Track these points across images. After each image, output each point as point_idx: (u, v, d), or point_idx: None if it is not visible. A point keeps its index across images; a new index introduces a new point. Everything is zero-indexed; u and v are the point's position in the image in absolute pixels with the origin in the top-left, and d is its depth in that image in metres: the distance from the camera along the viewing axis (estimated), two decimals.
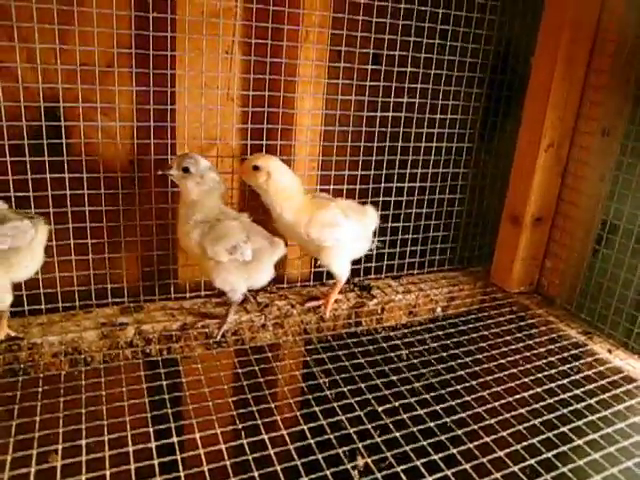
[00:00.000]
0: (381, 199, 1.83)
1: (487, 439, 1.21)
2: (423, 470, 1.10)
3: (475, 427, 1.25)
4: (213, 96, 1.60)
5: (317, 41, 1.65)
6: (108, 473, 1.04)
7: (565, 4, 1.62)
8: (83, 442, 1.11)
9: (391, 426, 1.24)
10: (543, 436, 1.23)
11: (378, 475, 1.10)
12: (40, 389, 1.26)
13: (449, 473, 1.10)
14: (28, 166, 1.43)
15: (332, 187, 1.76)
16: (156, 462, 1.07)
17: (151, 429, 1.17)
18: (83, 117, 1.48)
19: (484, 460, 1.14)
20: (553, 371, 1.47)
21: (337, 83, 1.70)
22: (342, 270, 1.64)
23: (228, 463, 1.09)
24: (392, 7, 1.66)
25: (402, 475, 1.10)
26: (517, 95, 1.93)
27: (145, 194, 1.57)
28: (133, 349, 1.46)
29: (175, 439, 1.15)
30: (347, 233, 1.57)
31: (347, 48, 1.68)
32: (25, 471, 1.04)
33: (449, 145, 1.90)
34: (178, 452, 1.10)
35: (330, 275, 1.71)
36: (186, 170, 1.41)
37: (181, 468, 1.06)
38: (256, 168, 1.49)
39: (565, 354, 1.55)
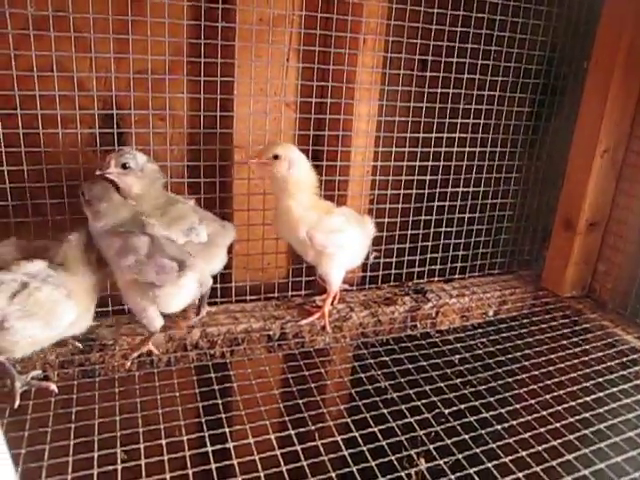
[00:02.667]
0: (435, 204, 1.86)
1: (554, 442, 1.24)
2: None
3: (542, 430, 1.28)
4: (269, 102, 1.63)
5: (374, 48, 1.68)
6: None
7: (625, 9, 1.63)
8: (163, 441, 1.16)
9: (458, 428, 1.28)
10: (610, 441, 1.26)
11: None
12: (116, 389, 1.32)
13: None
14: (81, 172, 1.47)
15: (389, 192, 1.79)
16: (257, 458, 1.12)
17: (227, 429, 1.22)
18: (138, 124, 1.52)
19: (554, 463, 1.17)
20: (613, 376, 1.49)
21: (391, 89, 1.73)
22: (337, 279, 1.60)
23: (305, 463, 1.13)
24: (450, 15, 1.68)
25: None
26: (565, 99, 1.95)
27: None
28: (198, 351, 1.51)
29: (251, 439, 1.20)
30: (349, 240, 1.55)
31: (400, 55, 1.71)
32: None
33: (501, 150, 1.92)
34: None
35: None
36: (125, 166, 1.36)
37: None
38: (277, 157, 1.44)
39: (624, 359, 1.56)
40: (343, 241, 1.53)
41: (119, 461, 1.11)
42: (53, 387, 1.30)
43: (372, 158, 1.80)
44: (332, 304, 1.68)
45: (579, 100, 1.80)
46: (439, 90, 1.75)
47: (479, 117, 1.84)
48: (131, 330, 1.50)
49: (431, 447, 1.23)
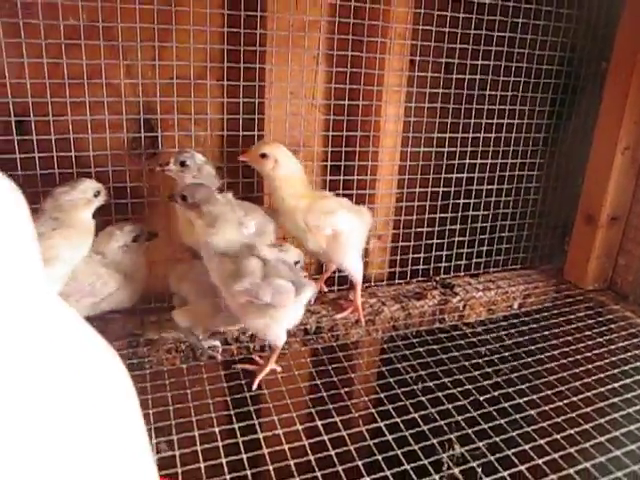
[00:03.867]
0: (461, 201, 1.93)
1: (586, 426, 1.30)
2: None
3: (574, 415, 1.34)
4: (298, 105, 1.71)
5: (402, 52, 1.76)
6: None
7: None
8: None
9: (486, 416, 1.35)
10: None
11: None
12: (167, 381, 1.39)
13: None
14: (128, 174, 1.55)
15: (417, 190, 1.86)
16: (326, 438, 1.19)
17: (275, 417, 1.29)
18: (177, 128, 1.59)
19: (587, 445, 1.24)
20: (638, 363, 1.55)
21: (417, 92, 1.80)
22: (356, 265, 1.62)
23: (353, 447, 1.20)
24: (475, 18, 1.75)
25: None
26: (584, 98, 2.01)
27: None
28: (239, 344, 1.58)
29: (299, 426, 1.27)
30: (346, 222, 1.55)
31: (426, 58, 1.77)
32: None
33: (523, 149, 1.99)
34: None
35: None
36: (183, 164, 1.43)
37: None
38: (263, 155, 1.49)
39: None
40: (340, 222, 1.54)
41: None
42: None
43: (398, 158, 1.87)
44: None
45: (598, 99, 1.87)
46: (464, 92, 1.82)
47: (502, 117, 1.90)
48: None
49: (469, 431, 1.29)
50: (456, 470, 1.23)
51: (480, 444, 1.25)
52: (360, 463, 1.17)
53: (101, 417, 0.48)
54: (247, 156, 1.53)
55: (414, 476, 1.15)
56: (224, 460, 1.15)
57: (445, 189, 1.91)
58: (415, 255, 1.92)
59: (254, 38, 1.58)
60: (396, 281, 1.92)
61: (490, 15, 1.77)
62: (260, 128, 1.68)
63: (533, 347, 1.61)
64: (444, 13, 1.72)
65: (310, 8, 1.62)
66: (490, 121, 1.90)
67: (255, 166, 1.55)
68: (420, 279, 1.95)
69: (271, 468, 1.14)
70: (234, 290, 1.26)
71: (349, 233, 1.56)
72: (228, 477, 1.11)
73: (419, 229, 1.90)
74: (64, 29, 1.38)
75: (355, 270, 1.63)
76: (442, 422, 1.32)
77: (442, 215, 1.92)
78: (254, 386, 1.38)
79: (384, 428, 1.28)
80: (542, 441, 1.26)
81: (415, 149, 1.85)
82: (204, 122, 1.62)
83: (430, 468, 1.17)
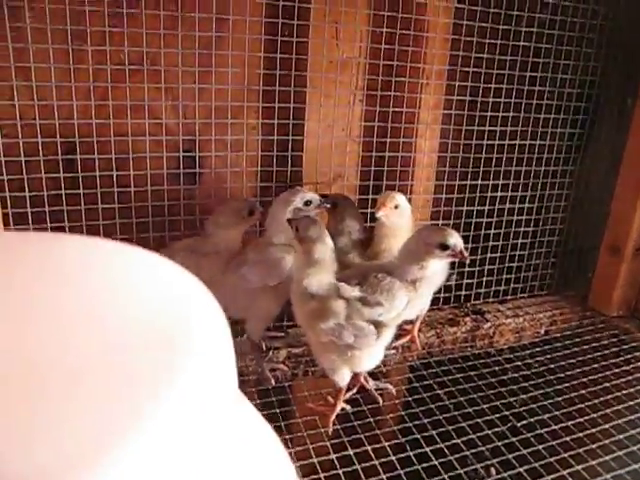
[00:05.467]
0: (492, 232, 2.04)
1: (606, 457, 1.38)
2: None
3: (594, 446, 1.43)
4: (337, 139, 1.82)
5: (434, 92, 1.88)
6: None
7: None
8: None
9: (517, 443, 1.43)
10: None
11: None
12: None
13: None
14: (166, 195, 1.66)
15: (452, 221, 1.97)
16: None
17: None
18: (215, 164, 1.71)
19: (608, 477, 1.34)
20: None
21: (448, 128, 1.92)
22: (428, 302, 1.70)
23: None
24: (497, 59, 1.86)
25: None
26: (610, 129, 2.10)
27: None
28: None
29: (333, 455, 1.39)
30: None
31: (453, 97, 1.90)
32: None
33: (551, 181, 2.10)
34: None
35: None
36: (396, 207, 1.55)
37: None
38: (397, 207, 1.56)
39: None
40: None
41: None
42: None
43: (430, 191, 1.99)
44: None
45: (625, 130, 1.94)
46: (487, 128, 1.94)
47: (523, 152, 2.01)
48: None
49: (494, 461, 1.40)
50: None
51: (506, 474, 1.35)
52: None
53: None
54: (384, 208, 1.54)
55: None
56: None
57: (477, 220, 2.01)
58: (446, 283, 2.03)
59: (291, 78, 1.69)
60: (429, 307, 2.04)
61: (512, 56, 1.88)
62: (296, 164, 1.80)
63: (555, 376, 1.71)
64: (469, 54, 1.84)
65: (347, 47, 1.76)
66: (511, 156, 2.00)
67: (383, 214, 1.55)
68: (452, 305, 2.07)
69: None
70: (319, 329, 1.30)
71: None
72: None
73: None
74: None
75: (426, 306, 1.72)
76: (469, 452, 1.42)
77: (473, 245, 2.02)
78: (330, 428, 1.43)
79: (413, 457, 1.38)
80: (565, 472, 1.34)
81: (451, 182, 1.97)
82: (245, 158, 1.73)
83: None
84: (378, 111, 1.85)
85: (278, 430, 1.38)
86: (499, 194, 2.02)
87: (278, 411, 1.47)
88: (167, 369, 0.36)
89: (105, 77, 1.50)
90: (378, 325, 1.31)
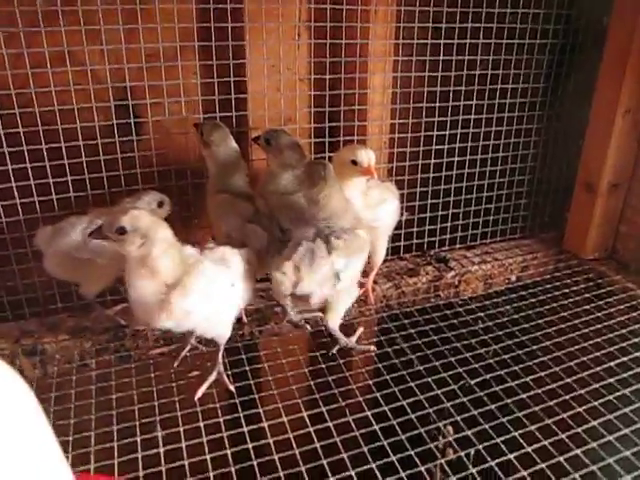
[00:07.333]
0: (454, 172, 1.86)
1: (579, 409, 1.26)
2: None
3: (567, 397, 1.30)
4: (282, 80, 1.64)
5: (384, 20, 1.67)
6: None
7: None
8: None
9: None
10: (635, 406, 1.28)
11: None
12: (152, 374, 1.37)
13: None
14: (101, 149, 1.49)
15: (408, 163, 1.80)
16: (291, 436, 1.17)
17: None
18: (153, 112, 1.54)
19: (579, 430, 1.21)
20: (637, 339, 1.50)
21: (405, 60, 1.72)
22: (383, 252, 1.65)
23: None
24: None
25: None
26: (583, 59, 1.90)
27: None
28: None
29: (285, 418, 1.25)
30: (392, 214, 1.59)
31: (412, 24, 1.68)
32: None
33: (518, 114, 1.89)
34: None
35: None
36: (268, 142, 1.45)
37: None
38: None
39: None
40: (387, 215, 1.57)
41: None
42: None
43: (389, 130, 1.79)
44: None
45: (598, 59, 1.76)
46: (454, 57, 1.73)
47: (496, 82, 1.81)
48: None
49: (458, 418, 1.26)
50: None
51: (469, 432, 1.23)
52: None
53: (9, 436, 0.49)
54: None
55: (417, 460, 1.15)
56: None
57: (437, 160, 1.83)
58: (407, 229, 1.86)
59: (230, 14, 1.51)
60: (389, 257, 1.87)
61: None
62: (241, 108, 1.63)
63: (528, 325, 1.57)
64: None
65: None
66: (483, 87, 1.80)
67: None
68: (414, 254, 1.91)
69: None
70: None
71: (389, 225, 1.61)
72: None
73: (411, 203, 1.83)
74: (22, 17, 1.32)
75: (381, 256, 1.64)
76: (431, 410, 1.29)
77: (435, 188, 1.85)
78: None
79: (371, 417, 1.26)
80: (533, 427, 1.23)
81: (404, 120, 1.77)
82: (184, 104, 1.56)
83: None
84: (328, 45, 1.65)
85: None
86: (459, 131, 1.83)
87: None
88: None
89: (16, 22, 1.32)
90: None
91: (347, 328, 1.53)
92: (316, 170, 1.33)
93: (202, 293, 1.20)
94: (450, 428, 1.31)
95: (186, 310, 1.18)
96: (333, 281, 1.28)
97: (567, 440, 1.19)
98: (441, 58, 1.71)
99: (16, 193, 1.42)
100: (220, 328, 1.33)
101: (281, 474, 1.10)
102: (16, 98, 1.37)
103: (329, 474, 1.10)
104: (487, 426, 1.23)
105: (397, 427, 1.22)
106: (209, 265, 1.24)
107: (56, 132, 1.43)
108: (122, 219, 1.14)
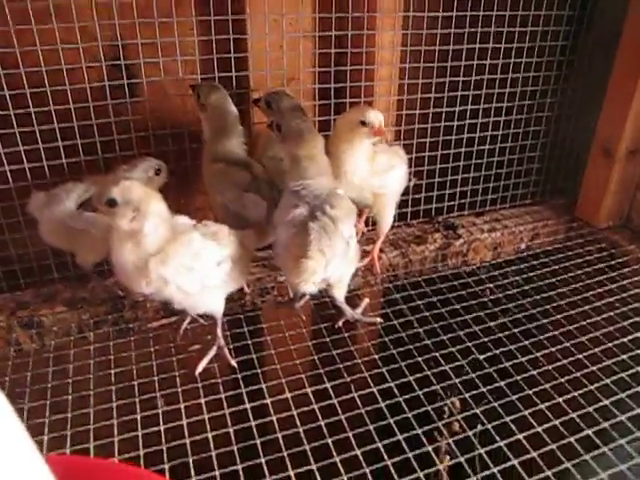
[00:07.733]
0: (465, 135, 1.78)
1: (591, 387, 1.22)
2: None
3: (578, 374, 1.26)
4: (285, 37, 1.55)
5: None
6: None
7: None
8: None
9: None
10: None
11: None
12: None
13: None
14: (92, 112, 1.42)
15: (417, 126, 1.71)
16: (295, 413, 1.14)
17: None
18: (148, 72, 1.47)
19: (590, 409, 1.17)
20: None
21: (416, 16, 1.61)
22: (390, 221, 1.60)
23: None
24: None
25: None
26: (605, 16, 1.79)
27: None
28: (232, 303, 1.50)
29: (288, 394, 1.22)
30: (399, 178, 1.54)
31: None
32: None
33: (534, 74, 1.80)
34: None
35: None
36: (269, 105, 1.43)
37: None
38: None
39: None
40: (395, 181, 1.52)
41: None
42: None
43: (397, 92, 1.71)
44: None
45: (621, 17, 1.65)
46: (468, 13, 1.62)
47: (512, 41, 1.70)
48: None
49: (467, 395, 1.23)
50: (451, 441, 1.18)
51: (478, 410, 1.19)
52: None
53: None
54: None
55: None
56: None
57: (447, 123, 1.75)
58: (415, 195, 1.79)
59: None
60: (396, 223, 1.81)
61: None
62: (241, 68, 1.54)
63: (538, 296, 1.52)
64: None
65: None
66: (498, 46, 1.70)
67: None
68: (421, 220, 1.84)
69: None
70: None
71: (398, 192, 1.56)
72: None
73: (419, 167, 1.76)
74: None
75: (388, 223, 1.58)
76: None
77: (444, 151, 1.77)
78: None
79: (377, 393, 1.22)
80: (543, 405, 1.19)
81: (414, 81, 1.68)
82: (180, 64, 1.48)
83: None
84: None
85: None
86: (471, 93, 1.73)
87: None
88: None
89: None
90: None
91: (352, 299, 1.49)
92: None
93: (183, 264, 1.14)
94: (457, 403, 1.28)
95: (164, 278, 1.12)
96: (346, 251, 1.23)
97: (578, 420, 1.16)
98: (454, 14, 1.61)
99: (4, 159, 1.36)
100: (206, 306, 1.28)
101: (285, 453, 1.07)
102: None
103: (334, 453, 1.07)
104: (496, 404, 1.20)
105: (404, 404, 1.19)
106: (197, 237, 1.18)
107: (44, 94, 1.34)
108: (112, 190, 1.07)
